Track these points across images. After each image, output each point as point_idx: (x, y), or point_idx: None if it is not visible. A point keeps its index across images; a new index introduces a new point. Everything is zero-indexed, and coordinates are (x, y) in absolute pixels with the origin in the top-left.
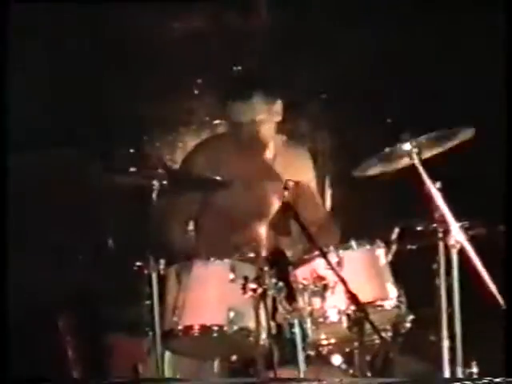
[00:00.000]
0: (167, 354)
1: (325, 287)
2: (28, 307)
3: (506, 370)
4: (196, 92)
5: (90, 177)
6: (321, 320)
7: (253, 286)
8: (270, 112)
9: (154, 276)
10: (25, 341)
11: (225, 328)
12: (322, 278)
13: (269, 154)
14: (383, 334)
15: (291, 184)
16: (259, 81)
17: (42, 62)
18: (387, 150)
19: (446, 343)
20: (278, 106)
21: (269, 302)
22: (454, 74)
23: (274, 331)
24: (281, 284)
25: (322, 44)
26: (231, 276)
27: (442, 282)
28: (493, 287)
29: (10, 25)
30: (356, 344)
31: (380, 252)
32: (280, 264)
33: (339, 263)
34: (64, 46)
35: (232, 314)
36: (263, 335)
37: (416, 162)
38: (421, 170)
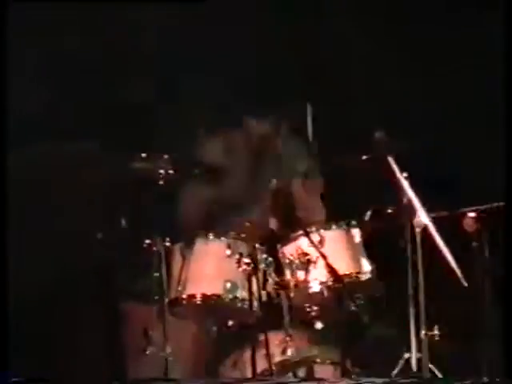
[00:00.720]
0: (172, 319)
1: (308, 262)
2: (54, 279)
3: (506, 369)
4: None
5: (108, 167)
6: (304, 290)
7: (246, 261)
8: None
9: (162, 252)
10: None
11: (222, 297)
12: (305, 254)
13: (271, 151)
14: (358, 302)
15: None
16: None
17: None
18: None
19: (411, 310)
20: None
21: (260, 274)
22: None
23: (264, 300)
24: (270, 259)
25: None
26: (228, 252)
27: (408, 258)
28: (452, 261)
29: (10, 24)
30: (334, 311)
31: (355, 231)
32: (270, 242)
33: (321, 241)
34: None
35: (228, 285)
36: (255, 303)
37: (388, 155)
38: (392, 162)
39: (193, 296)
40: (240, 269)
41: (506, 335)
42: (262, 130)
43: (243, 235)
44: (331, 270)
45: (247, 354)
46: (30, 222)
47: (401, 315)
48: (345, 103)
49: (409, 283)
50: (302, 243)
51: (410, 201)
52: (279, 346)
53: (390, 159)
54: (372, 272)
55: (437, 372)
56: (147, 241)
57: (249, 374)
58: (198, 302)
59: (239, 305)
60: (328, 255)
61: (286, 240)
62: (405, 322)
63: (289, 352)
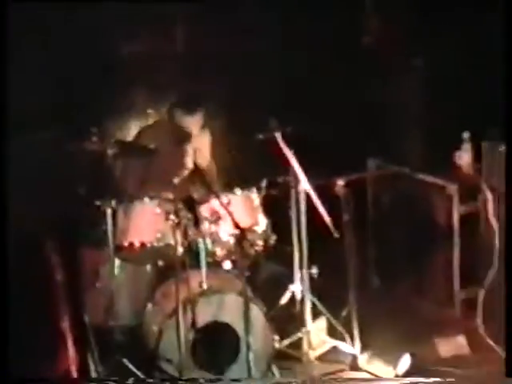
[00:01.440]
0: (117, 260)
1: (218, 218)
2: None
3: (506, 369)
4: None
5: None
6: (216, 239)
7: (172, 217)
8: (197, 123)
9: (109, 211)
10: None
11: (155, 244)
12: (216, 212)
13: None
14: (256, 248)
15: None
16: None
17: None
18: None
19: (296, 254)
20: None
21: (183, 227)
22: None
23: (186, 247)
24: (190, 216)
25: None
26: (158, 210)
27: (293, 216)
28: (326, 218)
29: (10, 23)
30: (239, 254)
31: (254, 196)
32: (190, 203)
33: (228, 203)
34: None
35: (159, 235)
36: (179, 249)
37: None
38: (280, 141)
39: (132, 243)
40: (168, 223)
41: (506, 335)
42: (185, 123)
43: (170, 198)
44: (236, 224)
45: (173, 287)
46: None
47: (288, 257)
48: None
49: (294, 234)
50: (214, 204)
51: (295, 172)
52: (197, 281)
53: (280, 139)
54: (267, 226)
55: (316, 302)
56: (98, 202)
57: (173, 302)
58: (137, 248)
59: (167, 250)
60: (234, 213)
61: (202, 201)
62: (291, 261)
63: (204, 285)
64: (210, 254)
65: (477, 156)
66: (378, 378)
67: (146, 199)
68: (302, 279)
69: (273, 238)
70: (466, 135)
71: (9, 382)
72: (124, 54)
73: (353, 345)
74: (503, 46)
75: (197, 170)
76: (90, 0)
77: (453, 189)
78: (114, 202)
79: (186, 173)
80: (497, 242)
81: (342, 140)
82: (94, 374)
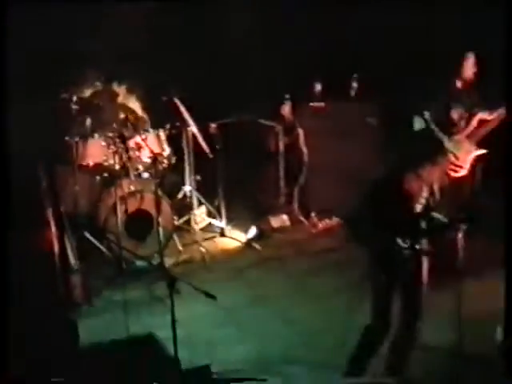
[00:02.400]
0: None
1: (140, 147)
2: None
3: (506, 369)
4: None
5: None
6: (139, 160)
7: (112, 147)
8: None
9: (74, 143)
10: None
11: (102, 163)
12: (139, 144)
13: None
14: (163, 165)
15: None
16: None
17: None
18: None
19: (187, 168)
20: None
21: (118, 153)
22: None
23: (121, 165)
24: (123, 146)
25: None
26: (103, 143)
27: (185, 146)
28: (205, 146)
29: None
30: (153, 169)
31: (162, 133)
32: (123, 138)
33: (145, 138)
34: None
35: (104, 158)
36: (117, 166)
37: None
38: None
39: (88, 163)
40: (110, 150)
41: (506, 335)
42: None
43: (110, 135)
44: (151, 151)
45: (113, 189)
46: None
47: (182, 170)
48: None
49: (185, 157)
50: (137, 139)
51: (186, 119)
52: (128, 186)
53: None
54: (170, 152)
55: (199, 196)
56: (67, 138)
57: (114, 198)
58: (91, 166)
59: (109, 167)
60: (149, 144)
61: (130, 137)
62: (184, 172)
63: (131, 188)
64: (136, 169)
65: (293, 108)
66: (237, 240)
67: (96, 135)
68: (190, 183)
69: (173, 159)
70: (287, 96)
71: (9, 382)
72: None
73: (221, 221)
74: None
75: (127, 117)
76: (90, 0)
77: (279, 128)
78: (76, 138)
79: (120, 119)
80: (305, 158)
81: (215, 99)
82: (69, 248)
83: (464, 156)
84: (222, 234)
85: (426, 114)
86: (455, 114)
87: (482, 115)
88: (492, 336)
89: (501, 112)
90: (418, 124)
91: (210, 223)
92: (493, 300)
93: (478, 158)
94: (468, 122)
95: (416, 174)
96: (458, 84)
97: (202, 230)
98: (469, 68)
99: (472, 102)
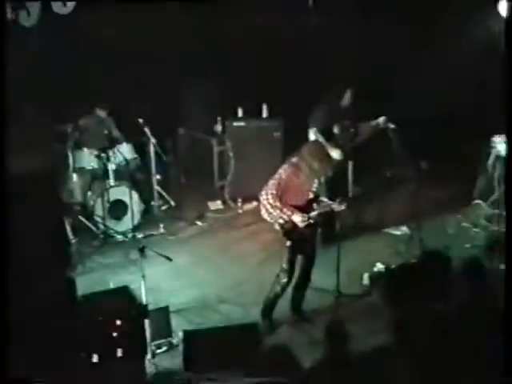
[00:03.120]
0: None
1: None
2: None
3: (506, 369)
4: None
5: None
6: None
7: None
8: None
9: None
10: None
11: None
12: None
13: None
14: None
15: None
16: None
17: None
18: None
19: None
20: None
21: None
22: None
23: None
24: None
25: None
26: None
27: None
28: (159, 150)
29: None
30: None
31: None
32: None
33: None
34: None
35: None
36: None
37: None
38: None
39: (80, 167)
40: (95, 158)
41: (507, 335)
42: None
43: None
44: (125, 158)
45: (99, 183)
46: None
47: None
48: None
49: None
50: (114, 149)
51: (148, 135)
52: (109, 182)
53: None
54: (138, 158)
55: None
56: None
57: (100, 190)
58: (82, 169)
59: (94, 168)
60: (123, 153)
61: (110, 148)
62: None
63: (112, 183)
64: (114, 170)
65: (223, 126)
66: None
67: (85, 148)
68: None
69: (140, 163)
70: (219, 118)
71: (9, 382)
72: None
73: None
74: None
75: (107, 134)
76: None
77: (213, 140)
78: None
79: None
80: (232, 161)
81: (168, 120)
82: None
83: (335, 160)
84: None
85: (314, 130)
86: (335, 131)
87: (351, 135)
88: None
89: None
90: (312, 136)
91: (167, 207)
92: (365, 254)
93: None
94: (343, 137)
95: (310, 170)
96: (340, 109)
97: (161, 212)
98: (346, 99)
99: (347, 124)
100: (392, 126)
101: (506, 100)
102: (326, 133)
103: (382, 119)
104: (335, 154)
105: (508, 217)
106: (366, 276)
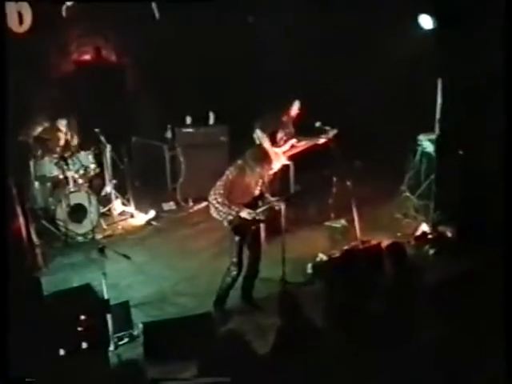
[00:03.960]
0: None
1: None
2: None
3: (506, 369)
4: None
5: None
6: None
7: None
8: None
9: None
10: None
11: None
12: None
13: None
14: (90, 174)
15: None
16: None
17: None
18: None
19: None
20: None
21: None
22: None
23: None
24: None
25: None
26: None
27: (106, 169)
28: (115, 157)
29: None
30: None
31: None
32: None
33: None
34: None
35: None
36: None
37: None
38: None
39: (42, 175)
40: (55, 166)
41: (507, 335)
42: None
43: (55, 156)
44: (83, 165)
45: (61, 189)
46: None
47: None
48: None
49: (107, 175)
50: (73, 157)
51: (104, 144)
52: (69, 188)
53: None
54: (95, 165)
55: (117, 193)
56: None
57: (60, 196)
58: (43, 177)
59: (54, 176)
60: (82, 161)
61: (69, 157)
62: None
63: (71, 189)
64: (74, 179)
65: (173, 133)
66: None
67: (46, 158)
68: (109, 185)
69: (97, 170)
70: (169, 125)
71: (9, 382)
72: None
73: (131, 208)
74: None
75: (66, 144)
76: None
77: (164, 146)
78: (33, 160)
79: (61, 145)
80: (183, 165)
81: (121, 129)
82: (32, 230)
83: (277, 163)
84: (132, 216)
85: (260, 134)
86: (278, 137)
87: (293, 142)
88: (305, 270)
89: (306, 143)
90: (257, 140)
91: (123, 210)
92: (308, 246)
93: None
94: (285, 143)
95: (255, 171)
96: (284, 118)
97: (118, 214)
98: (294, 110)
99: (290, 132)
100: (329, 128)
101: (506, 100)
102: (271, 138)
103: (318, 123)
104: (277, 159)
105: (507, 218)
106: (309, 265)
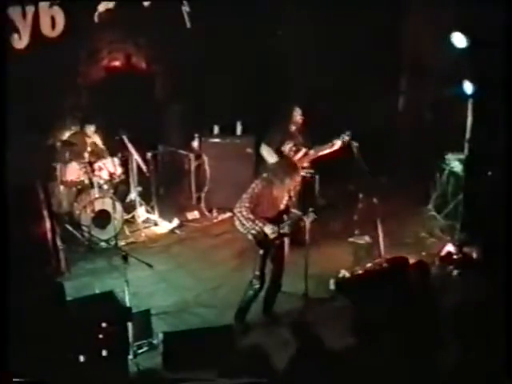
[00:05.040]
0: (61, 187)
1: (101, 169)
2: None
3: (506, 369)
4: None
5: None
6: (103, 177)
7: (84, 169)
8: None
9: (58, 167)
10: None
11: (77, 180)
12: (100, 167)
13: None
14: (116, 180)
15: None
16: None
17: None
18: None
19: (132, 182)
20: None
21: (88, 174)
22: None
23: (90, 182)
24: (90, 169)
25: None
26: (77, 167)
27: (131, 176)
28: (142, 164)
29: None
30: (109, 183)
31: (116, 160)
32: (91, 165)
33: (104, 163)
34: None
35: (78, 176)
36: (86, 181)
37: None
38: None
39: (67, 180)
40: (81, 171)
41: (507, 336)
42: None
43: (82, 161)
44: (109, 172)
45: (84, 196)
46: None
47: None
48: None
49: (132, 182)
50: (100, 163)
51: (130, 151)
52: (94, 195)
53: (125, 139)
54: (121, 172)
55: (142, 201)
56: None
57: (85, 202)
58: (69, 181)
59: (82, 183)
60: (107, 167)
61: (95, 162)
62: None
63: (96, 195)
64: (99, 185)
65: (200, 142)
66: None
67: (73, 162)
68: (134, 192)
69: (123, 176)
70: (196, 135)
71: (8, 382)
72: None
73: (155, 216)
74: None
75: (93, 150)
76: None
77: (191, 155)
78: (60, 164)
79: (88, 151)
80: (207, 175)
81: (148, 137)
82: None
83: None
84: (156, 224)
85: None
86: (287, 148)
87: (305, 151)
88: (327, 285)
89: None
90: (265, 154)
91: (147, 218)
92: (329, 262)
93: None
94: (296, 154)
95: (284, 184)
96: (292, 128)
97: (142, 222)
98: (296, 117)
99: (299, 141)
100: (355, 143)
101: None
102: (278, 151)
103: (346, 135)
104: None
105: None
106: (331, 281)
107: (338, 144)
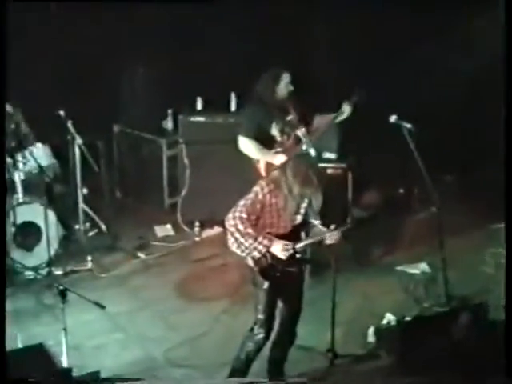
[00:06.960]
0: None
1: None
2: None
3: (506, 369)
4: None
5: None
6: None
7: None
8: None
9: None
10: None
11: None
12: None
13: None
14: None
15: None
16: None
17: None
18: None
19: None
20: None
21: None
22: None
23: None
24: None
25: None
26: None
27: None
28: (88, 154)
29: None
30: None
31: None
32: None
33: None
34: None
35: None
36: None
37: None
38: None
39: None
40: None
41: (507, 336)
42: None
43: None
44: (38, 164)
45: None
46: None
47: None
48: None
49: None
50: (25, 152)
51: (72, 134)
52: (16, 198)
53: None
54: (56, 165)
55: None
56: None
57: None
58: None
59: None
60: (37, 158)
61: (18, 151)
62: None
63: (20, 199)
64: (24, 184)
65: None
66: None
67: None
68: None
69: (59, 171)
70: (169, 111)
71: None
72: None
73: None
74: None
75: (14, 134)
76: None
77: (163, 141)
78: None
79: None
80: (187, 170)
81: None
82: None
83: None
84: (109, 244)
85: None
86: (274, 131)
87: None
88: (365, 337)
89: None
90: (244, 147)
91: (96, 233)
92: (369, 300)
93: None
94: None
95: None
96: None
97: (88, 239)
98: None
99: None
100: (407, 125)
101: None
102: (264, 137)
103: (394, 117)
104: (276, 160)
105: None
106: (371, 331)
107: (347, 110)
